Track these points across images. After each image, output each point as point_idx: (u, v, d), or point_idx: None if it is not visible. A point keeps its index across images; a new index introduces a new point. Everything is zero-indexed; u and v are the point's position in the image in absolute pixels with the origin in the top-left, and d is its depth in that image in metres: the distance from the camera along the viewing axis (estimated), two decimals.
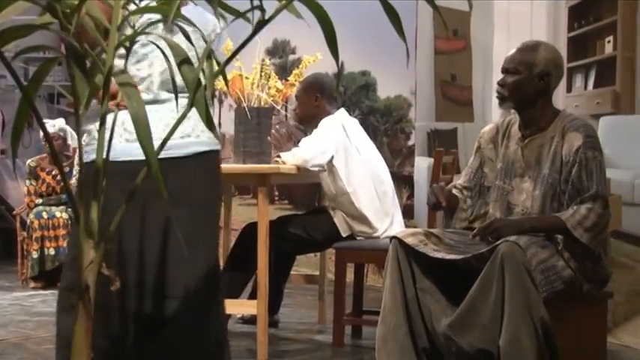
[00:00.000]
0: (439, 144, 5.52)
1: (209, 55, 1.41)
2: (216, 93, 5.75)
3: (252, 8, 1.35)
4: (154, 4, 1.46)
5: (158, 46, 1.57)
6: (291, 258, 4.41)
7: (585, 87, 4.56)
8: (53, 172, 6.17)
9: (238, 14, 1.37)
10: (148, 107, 1.36)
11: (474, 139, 3.29)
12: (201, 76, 1.40)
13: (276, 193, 6.58)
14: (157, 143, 1.34)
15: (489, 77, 5.36)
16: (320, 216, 4.20)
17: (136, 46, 1.45)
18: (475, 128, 5.14)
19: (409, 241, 2.89)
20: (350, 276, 4.19)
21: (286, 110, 4.27)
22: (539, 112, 2.97)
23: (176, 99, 1.85)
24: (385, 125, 6.25)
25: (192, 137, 2.35)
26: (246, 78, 3.99)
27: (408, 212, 5.63)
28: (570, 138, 2.87)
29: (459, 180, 3.23)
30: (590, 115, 4.35)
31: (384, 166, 4.27)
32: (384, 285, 2.95)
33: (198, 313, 2.35)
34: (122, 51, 1.47)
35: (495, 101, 3.07)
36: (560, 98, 4.28)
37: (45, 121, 5.88)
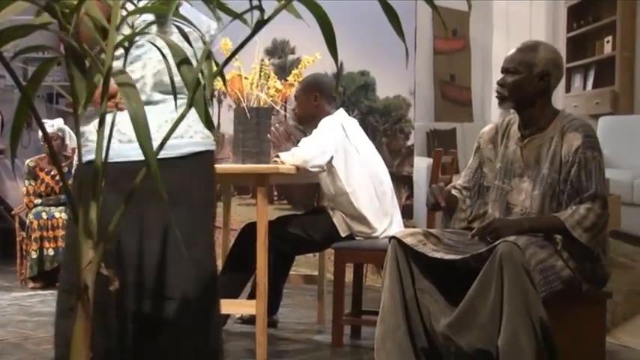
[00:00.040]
0: (438, 144, 5.52)
1: (208, 55, 1.41)
2: (216, 93, 5.75)
3: (252, 8, 1.35)
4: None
5: (157, 46, 1.57)
6: (290, 258, 4.41)
7: (584, 87, 4.56)
8: (52, 173, 6.16)
9: (236, 15, 1.37)
10: None
11: (473, 139, 3.29)
12: (199, 76, 1.40)
13: (275, 193, 6.58)
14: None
15: (488, 77, 5.37)
16: (319, 216, 4.20)
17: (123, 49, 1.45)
18: (474, 128, 5.15)
19: (408, 241, 2.89)
20: (349, 276, 4.19)
21: (285, 110, 4.27)
22: (539, 112, 2.97)
23: (175, 99, 1.85)
24: (384, 125, 6.25)
25: (185, 138, 2.35)
26: (246, 78, 3.99)
27: (407, 212, 5.63)
28: (569, 138, 2.88)
29: (459, 180, 3.23)
30: (589, 115, 4.35)
31: (383, 166, 4.27)
32: (383, 285, 2.96)
33: (198, 314, 2.35)
34: (118, 52, 1.47)
35: (494, 101, 3.07)
36: (559, 98, 4.28)
37: (44, 121, 5.89)
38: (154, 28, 1.57)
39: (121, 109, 1.64)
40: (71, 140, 6.17)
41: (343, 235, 4.07)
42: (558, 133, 2.92)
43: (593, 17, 4.51)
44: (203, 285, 2.36)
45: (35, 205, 6.12)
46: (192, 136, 2.37)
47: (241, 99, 3.94)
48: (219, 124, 6.41)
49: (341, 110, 4.23)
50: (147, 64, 2.34)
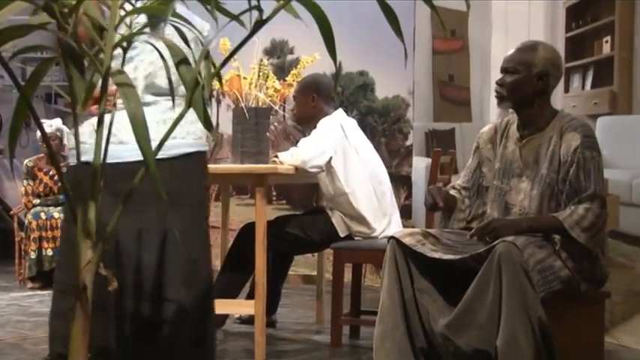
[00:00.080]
0: (437, 144, 5.53)
1: (206, 55, 1.41)
2: (214, 93, 5.75)
3: (250, 8, 1.35)
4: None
5: (155, 47, 1.57)
6: (288, 258, 4.40)
7: (583, 87, 4.56)
8: (51, 173, 6.16)
9: (233, 17, 1.37)
10: None
11: (471, 139, 3.29)
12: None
13: (274, 194, 6.57)
14: None
15: (487, 77, 5.37)
16: (318, 216, 4.20)
17: (121, 49, 1.45)
18: (473, 128, 5.15)
19: (407, 241, 2.89)
20: (348, 276, 4.19)
21: (284, 110, 4.27)
22: (538, 112, 2.97)
23: (173, 100, 1.85)
24: (383, 125, 6.25)
25: (177, 139, 2.35)
26: (244, 78, 3.99)
27: (405, 212, 5.63)
28: (568, 138, 2.88)
29: (458, 180, 3.23)
30: (588, 116, 4.35)
31: (382, 167, 4.27)
32: (382, 285, 2.95)
33: (196, 314, 2.35)
34: (115, 52, 1.47)
35: (493, 101, 3.07)
36: (557, 98, 4.28)
37: (42, 121, 5.89)
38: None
39: (110, 111, 1.64)
40: (69, 140, 6.16)
41: (342, 235, 4.07)
42: (557, 133, 2.92)
43: (592, 17, 4.51)
44: (199, 285, 2.36)
45: (34, 206, 6.11)
46: (184, 137, 2.38)
47: (240, 99, 3.94)
48: (217, 124, 6.42)
49: (340, 110, 4.23)
50: (138, 66, 2.34)
